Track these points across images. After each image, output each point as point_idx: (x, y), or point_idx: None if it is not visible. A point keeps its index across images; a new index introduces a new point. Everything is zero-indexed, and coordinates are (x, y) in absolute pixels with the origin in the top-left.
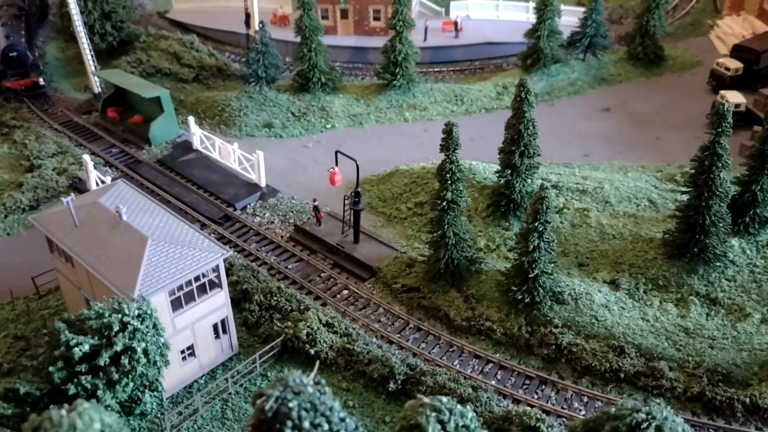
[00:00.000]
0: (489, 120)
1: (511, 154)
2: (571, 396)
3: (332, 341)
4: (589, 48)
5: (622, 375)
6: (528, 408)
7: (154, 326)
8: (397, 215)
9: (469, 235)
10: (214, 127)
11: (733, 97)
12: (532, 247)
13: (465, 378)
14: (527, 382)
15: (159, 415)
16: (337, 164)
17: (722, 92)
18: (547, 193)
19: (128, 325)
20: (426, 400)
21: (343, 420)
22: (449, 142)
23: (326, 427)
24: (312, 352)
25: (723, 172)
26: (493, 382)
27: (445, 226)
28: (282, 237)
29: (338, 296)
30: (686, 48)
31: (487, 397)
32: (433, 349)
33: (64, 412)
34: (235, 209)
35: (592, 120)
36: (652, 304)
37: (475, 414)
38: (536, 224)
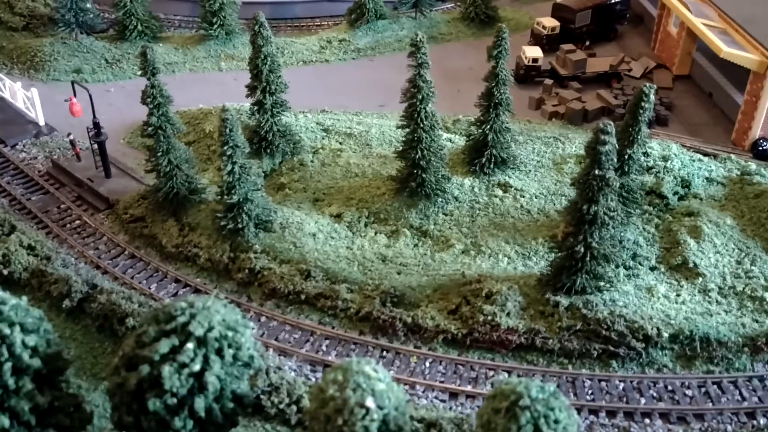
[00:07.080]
0: (304, 72)
1: (255, 91)
2: (252, 317)
3: (28, 263)
4: (417, 6)
5: (303, 297)
6: None
7: None
8: None
9: (188, 165)
10: (23, 71)
11: (531, 52)
12: (226, 172)
13: (144, 296)
14: None
15: None
16: (75, 95)
17: (523, 47)
18: (227, 114)
19: None
20: None
21: None
22: (145, 65)
23: None
24: (5, 272)
25: (428, 104)
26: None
27: (159, 154)
28: (38, 172)
29: (68, 226)
30: (528, 11)
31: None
32: (139, 273)
33: None
34: (6, 145)
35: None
36: (366, 235)
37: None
38: (225, 148)
